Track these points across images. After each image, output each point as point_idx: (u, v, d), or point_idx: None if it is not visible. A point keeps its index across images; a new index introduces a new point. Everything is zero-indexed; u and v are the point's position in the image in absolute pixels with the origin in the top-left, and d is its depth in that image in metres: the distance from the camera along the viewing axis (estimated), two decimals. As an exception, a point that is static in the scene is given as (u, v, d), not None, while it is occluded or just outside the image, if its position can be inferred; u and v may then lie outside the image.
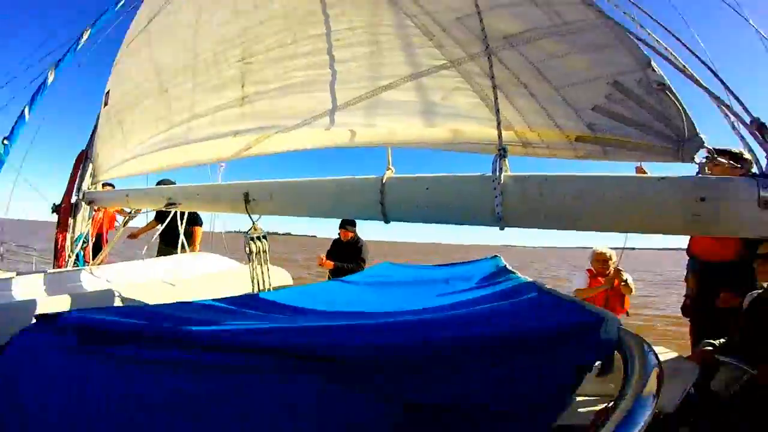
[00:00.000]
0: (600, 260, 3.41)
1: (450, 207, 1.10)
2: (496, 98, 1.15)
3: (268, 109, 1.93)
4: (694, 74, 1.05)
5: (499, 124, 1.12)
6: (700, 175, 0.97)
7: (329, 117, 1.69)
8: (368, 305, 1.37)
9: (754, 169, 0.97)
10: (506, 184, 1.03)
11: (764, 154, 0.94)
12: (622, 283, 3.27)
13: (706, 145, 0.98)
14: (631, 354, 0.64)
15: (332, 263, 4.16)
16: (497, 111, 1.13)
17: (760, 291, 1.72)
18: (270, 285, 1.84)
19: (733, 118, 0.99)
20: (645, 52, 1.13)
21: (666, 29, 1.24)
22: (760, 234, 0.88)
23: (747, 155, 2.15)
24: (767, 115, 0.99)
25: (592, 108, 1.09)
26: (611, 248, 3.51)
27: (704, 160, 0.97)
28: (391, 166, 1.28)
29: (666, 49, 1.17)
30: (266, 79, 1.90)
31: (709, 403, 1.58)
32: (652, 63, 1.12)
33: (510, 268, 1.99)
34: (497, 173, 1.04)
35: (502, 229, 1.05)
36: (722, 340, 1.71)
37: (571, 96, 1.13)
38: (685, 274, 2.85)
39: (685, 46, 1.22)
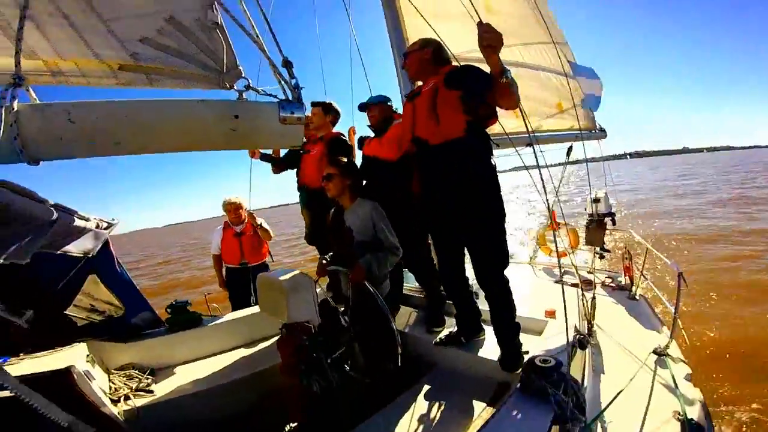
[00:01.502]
0: (231, 209, 3.70)
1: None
2: (21, 27, 0.96)
3: None
4: (252, 23, 1.24)
5: (18, 52, 0.94)
6: (237, 100, 1.15)
7: None
8: None
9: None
10: (23, 114, 0.88)
11: (287, 86, 1.25)
12: (258, 228, 3.74)
13: (244, 75, 1.19)
14: None
15: None
16: (18, 40, 0.94)
17: (336, 205, 2.34)
18: None
19: (268, 57, 1.25)
20: None
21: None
22: (282, 143, 1.16)
23: (334, 103, 2.82)
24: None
25: (140, 39, 1.10)
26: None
27: (243, 88, 1.17)
28: None
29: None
30: None
31: (344, 304, 2.09)
32: (215, 5, 1.24)
33: None
34: (8, 102, 0.87)
35: (33, 163, 0.89)
36: (331, 253, 2.29)
37: (119, 28, 1.09)
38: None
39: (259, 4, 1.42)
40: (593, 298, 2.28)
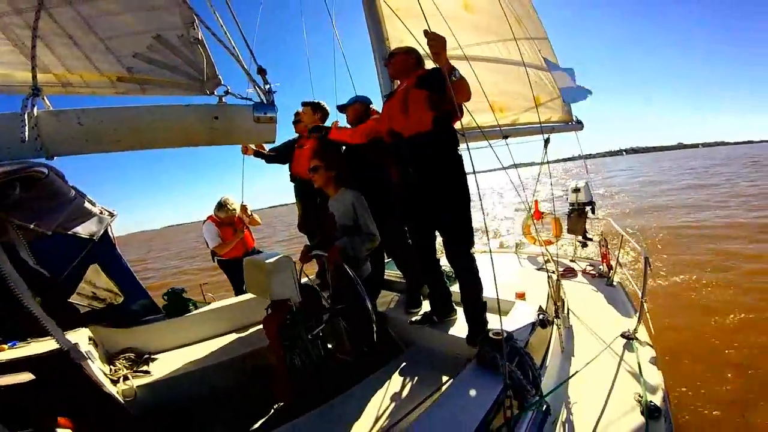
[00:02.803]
0: (233, 209, 4.03)
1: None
2: (34, 46, 1.20)
3: None
4: (230, 39, 1.47)
5: (34, 68, 1.18)
6: (216, 103, 1.38)
7: None
8: None
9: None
10: (41, 118, 1.11)
11: (261, 91, 1.47)
12: (250, 218, 4.16)
13: (223, 83, 1.43)
14: None
15: None
16: (33, 57, 1.19)
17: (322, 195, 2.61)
18: None
19: (243, 67, 1.47)
20: (193, 15, 1.46)
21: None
22: (257, 140, 1.39)
23: (323, 103, 3.09)
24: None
25: (133, 55, 1.33)
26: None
27: (223, 93, 1.40)
28: None
29: (215, 14, 1.56)
30: None
31: (328, 288, 2.33)
32: (195, 23, 1.47)
33: None
34: (29, 109, 1.11)
35: (49, 159, 1.13)
36: (315, 241, 2.54)
37: (115, 45, 1.33)
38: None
39: (235, 19, 1.65)
40: (558, 281, 2.49)
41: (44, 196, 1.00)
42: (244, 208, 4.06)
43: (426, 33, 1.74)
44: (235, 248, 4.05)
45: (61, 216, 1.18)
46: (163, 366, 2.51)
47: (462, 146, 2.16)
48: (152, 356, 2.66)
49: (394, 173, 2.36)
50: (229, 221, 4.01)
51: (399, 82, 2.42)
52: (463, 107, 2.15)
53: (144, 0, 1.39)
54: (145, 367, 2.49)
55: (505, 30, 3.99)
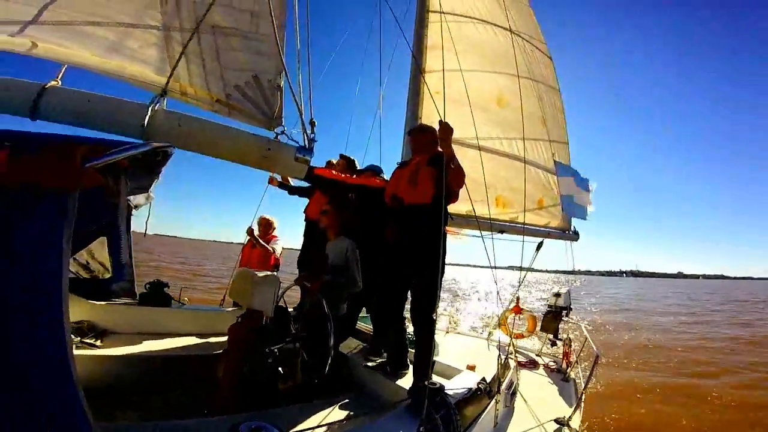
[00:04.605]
0: (263, 224, 4.84)
1: (107, 120, 1.52)
2: (179, 59, 1.74)
3: None
4: (296, 90, 2.01)
5: (171, 76, 1.70)
6: (272, 138, 1.87)
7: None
8: None
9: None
10: (158, 113, 1.60)
11: (307, 138, 1.97)
12: (258, 243, 4.66)
13: (282, 124, 1.94)
14: None
15: None
16: (174, 67, 1.72)
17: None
18: None
19: (302, 118, 1.99)
20: (282, 67, 2.01)
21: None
22: (291, 174, 1.86)
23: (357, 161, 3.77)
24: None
25: (235, 86, 1.86)
26: None
27: (279, 132, 1.90)
28: (58, 80, 1.59)
29: (298, 73, 2.12)
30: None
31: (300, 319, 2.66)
32: (283, 73, 2.02)
33: None
34: (155, 105, 1.60)
35: (144, 140, 1.59)
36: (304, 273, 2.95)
37: (227, 75, 1.86)
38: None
39: (309, 78, 2.22)
40: (506, 360, 2.81)
41: (148, 166, 1.35)
42: (250, 230, 4.64)
43: (440, 122, 2.30)
44: (243, 261, 4.72)
45: (142, 183, 1.56)
46: (112, 346, 2.71)
47: (464, 232, 2.61)
48: (107, 335, 2.84)
49: (389, 233, 2.81)
50: (260, 236, 4.76)
51: (411, 156, 2.97)
52: (467, 195, 2.66)
53: (257, 45, 1.96)
54: (91, 341, 2.65)
55: (527, 129, 4.40)
